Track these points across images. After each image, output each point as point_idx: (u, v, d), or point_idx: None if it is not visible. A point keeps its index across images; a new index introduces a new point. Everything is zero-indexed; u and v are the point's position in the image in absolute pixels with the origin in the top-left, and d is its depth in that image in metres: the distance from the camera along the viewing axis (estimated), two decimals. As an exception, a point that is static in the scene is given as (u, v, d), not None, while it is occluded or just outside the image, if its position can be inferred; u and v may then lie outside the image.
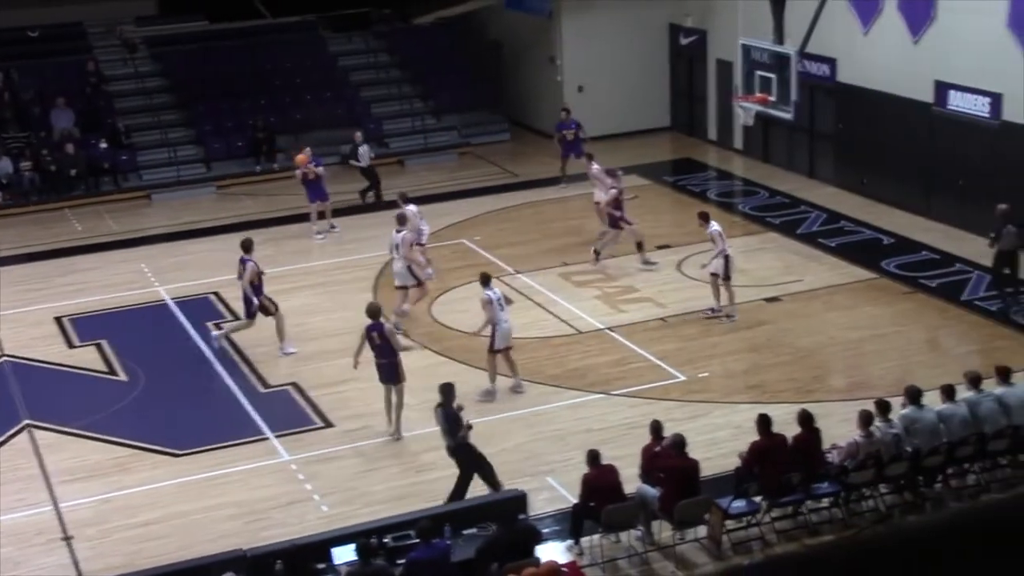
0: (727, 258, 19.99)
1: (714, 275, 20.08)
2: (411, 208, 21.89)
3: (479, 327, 17.81)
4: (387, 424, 16.83)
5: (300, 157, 25.52)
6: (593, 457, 13.85)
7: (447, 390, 14.99)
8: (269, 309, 19.69)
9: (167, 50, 32.59)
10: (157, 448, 16.90)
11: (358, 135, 27.75)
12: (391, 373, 16.66)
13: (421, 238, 21.79)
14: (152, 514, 15.21)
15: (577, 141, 27.56)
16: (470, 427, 14.74)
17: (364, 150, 27.50)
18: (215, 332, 20.25)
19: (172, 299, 22.29)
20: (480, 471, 14.79)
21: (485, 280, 17.98)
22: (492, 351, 17.70)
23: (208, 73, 31.98)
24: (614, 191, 22.52)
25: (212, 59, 32.39)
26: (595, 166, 23.99)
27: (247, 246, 19.88)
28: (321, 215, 25.53)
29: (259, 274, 19.69)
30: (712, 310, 20.24)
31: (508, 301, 18.92)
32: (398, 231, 20.48)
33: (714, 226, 20.25)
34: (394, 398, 16.72)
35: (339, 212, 26.13)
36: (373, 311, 16.84)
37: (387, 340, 16.56)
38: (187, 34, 32.49)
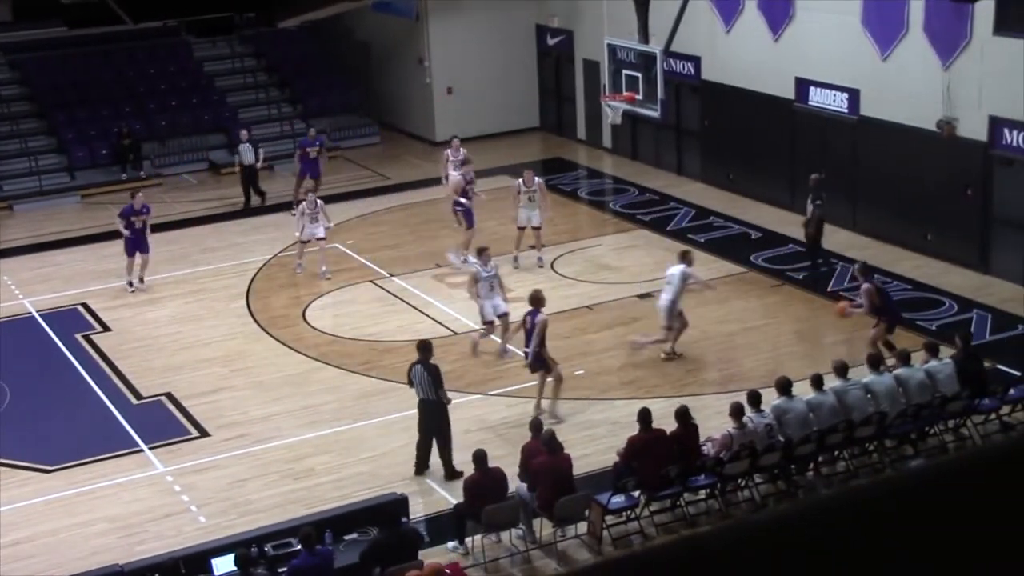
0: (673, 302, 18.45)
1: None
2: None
3: None
4: (534, 408, 16.72)
5: None
6: (479, 459, 13.78)
7: (425, 347, 15.38)
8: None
9: (24, 57, 31.78)
10: (26, 464, 16.47)
11: (243, 133, 27.72)
12: (537, 362, 16.68)
13: None
14: (20, 533, 14.79)
15: (318, 160, 26.95)
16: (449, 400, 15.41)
17: (244, 148, 27.26)
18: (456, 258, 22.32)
19: (38, 311, 21.75)
20: (440, 439, 15.06)
21: None
22: None
23: (69, 80, 31.29)
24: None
25: (72, 66, 31.69)
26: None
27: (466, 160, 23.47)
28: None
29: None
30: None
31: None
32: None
33: (681, 268, 18.46)
34: (548, 382, 16.78)
35: (213, 220, 25.75)
36: (536, 298, 16.85)
37: (535, 330, 16.58)
38: (45, 40, 31.72)
